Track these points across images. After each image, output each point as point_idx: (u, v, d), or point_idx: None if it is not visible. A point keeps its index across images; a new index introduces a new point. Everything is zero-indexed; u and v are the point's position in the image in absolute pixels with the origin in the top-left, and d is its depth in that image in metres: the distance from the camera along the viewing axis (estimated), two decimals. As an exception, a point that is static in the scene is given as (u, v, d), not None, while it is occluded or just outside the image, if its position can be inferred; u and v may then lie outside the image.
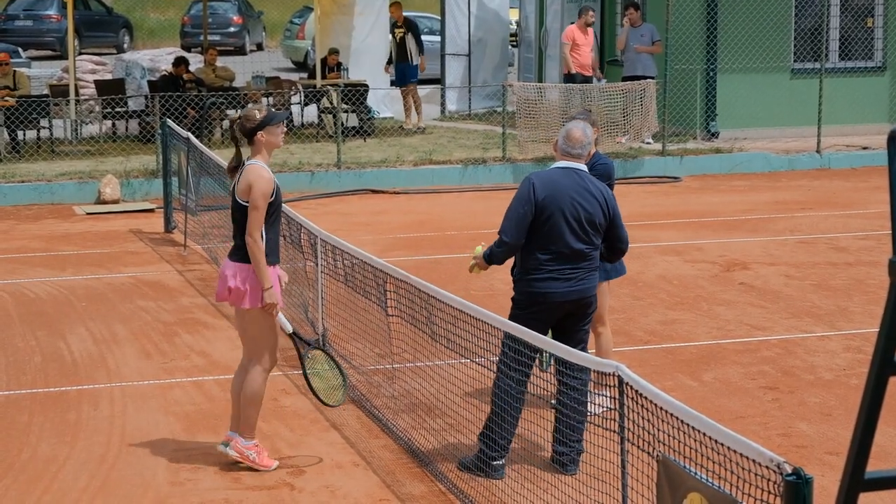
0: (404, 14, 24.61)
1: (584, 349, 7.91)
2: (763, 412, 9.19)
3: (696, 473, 5.01)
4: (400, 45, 24.05)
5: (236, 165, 8.22)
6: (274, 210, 8.11)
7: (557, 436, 7.87)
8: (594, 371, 6.58)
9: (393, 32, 24.35)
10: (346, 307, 10.27)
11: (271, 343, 8.20)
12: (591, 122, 8.99)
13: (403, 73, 24.06)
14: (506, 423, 7.74)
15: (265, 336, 8.16)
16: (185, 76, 22.56)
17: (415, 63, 24.05)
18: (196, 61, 27.03)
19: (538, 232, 7.78)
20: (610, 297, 9.40)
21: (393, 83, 25.03)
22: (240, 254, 8.08)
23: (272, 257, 8.13)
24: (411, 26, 24.21)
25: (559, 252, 7.79)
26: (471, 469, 7.90)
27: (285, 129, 8.37)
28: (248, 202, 7.99)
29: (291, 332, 8.42)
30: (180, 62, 22.84)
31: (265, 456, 8.19)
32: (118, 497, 7.77)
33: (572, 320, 7.97)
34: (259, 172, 8.02)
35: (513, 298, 8.01)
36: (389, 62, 24.62)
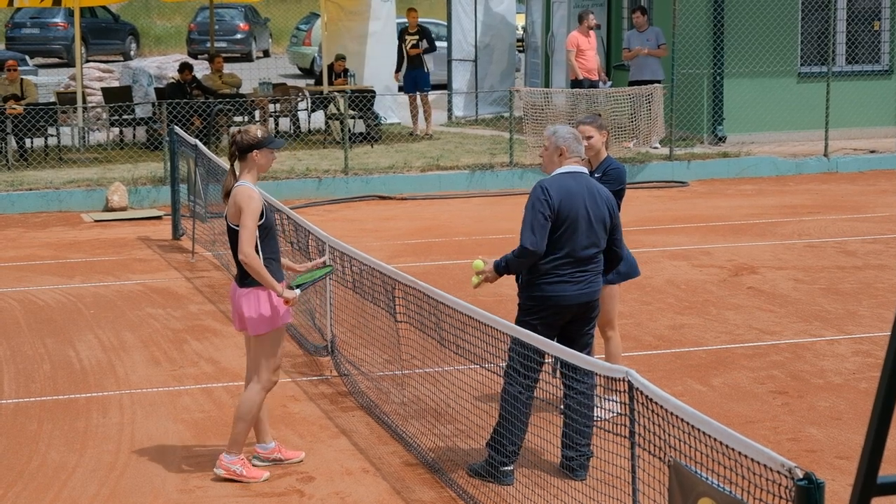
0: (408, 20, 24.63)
1: (589, 353, 7.90)
2: (773, 416, 9.17)
3: (707, 478, 5.00)
4: (412, 52, 24.05)
5: (231, 188, 8.10)
6: (267, 232, 8.05)
7: (566, 440, 7.87)
8: (603, 376, 6.57)
9: (404, 38, 24.32)
10: (355, 313, 10.27)
11: (274, 364, 8.19)
12: (598, 126, 9.00)
13: (415, 80, 24.06)
14: (515, 429, 7.74)
15: (269, 358, 8.15)
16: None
17: (427, 71, 24.05)
18: (202, 68, 27.10)
19: (552, 237, 7.80)
20: (619, 302, 9.41)
21: (400, 89, 25.03)
22: (242, 277, 8.06)
23: (276, 278, 8.04)
24: (425, 33, 24.21)
25: (571, 256, 7.81)
26: (481, 475, 7.89)
27: (275, 158, 8.33)
28: (239, 225, 7.96)
29: (298, 292, 8.27)
30: (184, 68, 22.91)
31: (252, 468, 8.18)
32: (128, 504, 7.78)
33: (577, 325, 7.97)
34: (248, 193, 7.95)
35: (519, 304, 8.00)
36: (398, 69, 24.60)
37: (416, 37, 24.10)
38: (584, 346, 7.94)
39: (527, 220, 7.81)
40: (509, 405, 7.75)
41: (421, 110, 24.35)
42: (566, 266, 7.81)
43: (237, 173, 8.13)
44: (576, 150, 8.00)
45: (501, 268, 7.97)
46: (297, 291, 8.16)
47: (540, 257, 7.80)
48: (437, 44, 30.04)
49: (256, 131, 8.09)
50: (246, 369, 8.36)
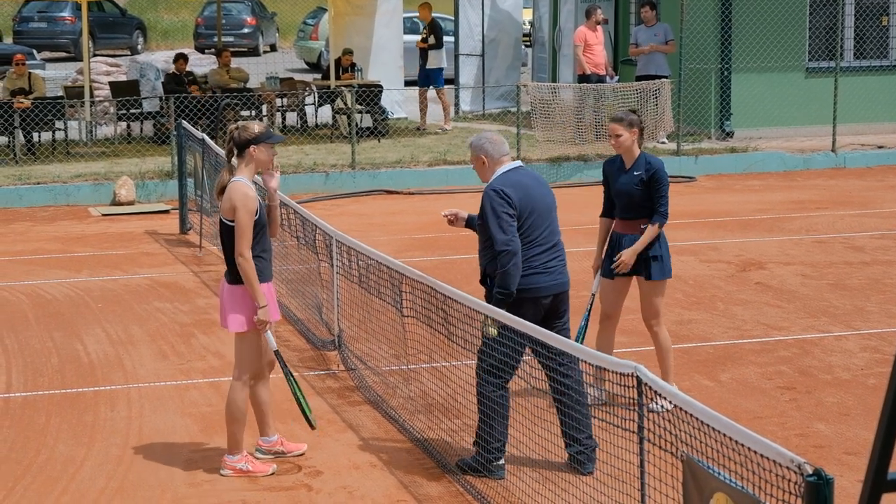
0: (415, 15, 24.63)
1: None
2: (780, 412, 9.17)
3: (719, 473, 5.00)
4: (419, 45, 24.09)
5: (226, 185, 8.06)
6: (260, 229, 8.02)
7: (566, 432, 7.87)
8: (612, 371, 6.55)
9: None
10: (361, 308, 10.27)
11: (255, 364, 8.17)
12: (628, 123, 9.03)
13: (427, 75, 24.07)
14: (495, 428, 7.83)
15: (250, 356, 8.13)
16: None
17: (437, 66, 23.99)
18: (209, 62, 27.09)
19: (521, 230, 7.88)
20: (626, 298, 9.42)
21: (414, 83, 25.04)
22: (231, 275, 8.05)
23: (264, 275, 8.06)
24: (434, 28, 24.19)
25: (539, 244, 7.93)
26: (474, 468, 7.90)
27: (276, 153, 8.28)
28: (233, 221, 7.93)
29: (276, 349, 8.24)
30: (179, 58, 22.95)
31: (258, 462, 8.18)
32: (136, 498, 7.78)
33: (549, 321, 7.98)
34: (244, 191, 7.92)
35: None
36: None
37: (427, 31, 24.14)
38: None
39: (493, 225, 7.84)
40: (485, 406, 7.85)
41: (439, 106, 24.34)
42: (537, 256, 7.92)
43: (233, 170, 8.11)
44: (498, 150, 8.05)
45: (498, 296, 7.80)
46: (271, 337, 8.10)
47: (518, 252, 7.82)
48: (445, 38, 30.05)
49: (254, 127, 8.06)
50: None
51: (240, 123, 8.16)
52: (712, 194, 19.09)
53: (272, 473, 8.12)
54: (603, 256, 9.31)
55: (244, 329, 8.04)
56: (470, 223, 8.35)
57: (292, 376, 8.33)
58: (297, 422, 9.06)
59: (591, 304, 9.55)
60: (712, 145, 21.64)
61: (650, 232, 9.05)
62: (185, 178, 16.13)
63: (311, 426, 8.30)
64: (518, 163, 8.13)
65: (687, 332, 11.34)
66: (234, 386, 8.15)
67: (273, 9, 44.89)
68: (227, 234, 7.99)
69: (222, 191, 8.06)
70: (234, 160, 8.11)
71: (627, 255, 9.03)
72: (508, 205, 7.84)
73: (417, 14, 24.76)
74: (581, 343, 9.33)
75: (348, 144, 20.45)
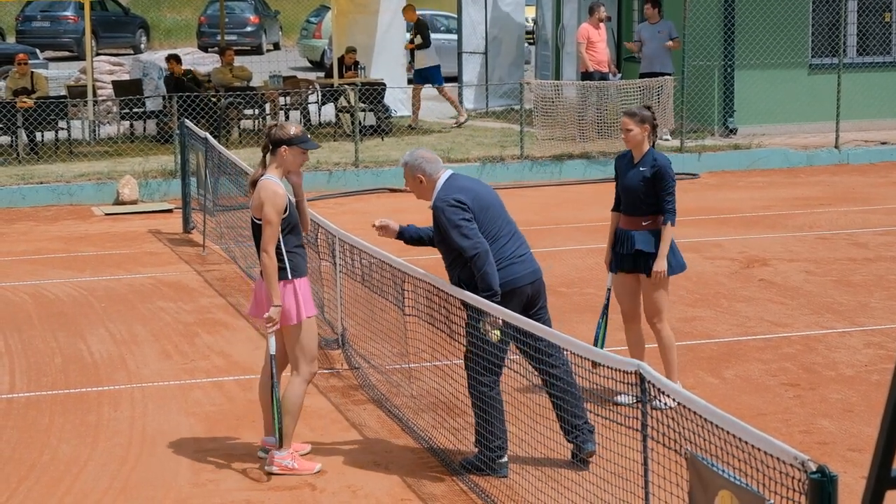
0: (418, 13, 24.63)
1: None
2: (784, 409, 9.16)
3: (724, 471, 4.99)
4: (407, 46, 24.17)
5: (257, 179, 8.17)
6: (291, 226, 8.11)
7: (564, 425, 7.87)
8: (617, 370, 6.54)
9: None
10: (364, 307, 10.26)
11: (311, 354, 8.20)
12: (640, 119, 9.01)
13: (422, 74, 24.08)
14: (497, 424, 7.85)
15: (304, 347, 8.16)
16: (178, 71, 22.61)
17: (430, 65, 23.97)
18: (212, 61, 27.09)
19: (482, 229, 7.89)
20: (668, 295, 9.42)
21: (410, 81, 25.05)
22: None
23: (299, 270, 8.12)
24: (420, 27, 24.18)
25: (504, 236, 7.96)
26: (478, 467, 7.90)
27: (307, 159, 8.36)
28: (261, 220, 8.00)
29: (272, 354, 8.19)
30: (171, 58, 22.95)
31: (303, 461, 8.17)
32: (140, 498, 7.78)
33: (530, 308, 8.01)
34: (273, 188, 8.01)
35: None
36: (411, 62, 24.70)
37: (413, 32, 24.19)
38: None
39: (456, 236, 7.85)
40: (481, 406, 7.88)
41: (444, 103, 24.39)
42: (505, 247, 7.95)
43: (266, 166, 8.19)
44: (435, 168, 8.06)
45: (488, 295, 7.77)
46: (270, 335, 8.10)
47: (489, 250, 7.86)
48: (448, 36, 30.09)
49: (290, 128, 8.18)
50: (264, 360, 8.36)
51: (280, 122, 8.27)
52: (715, 191, 19.08)
53: (318, 472, 8.09)
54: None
55: (292, 322, 8.07)
56: (402, 236, 8.39)
57: (277, 388, 8.17)
58: (302, 421, 9.05)
59: (608, 300, 9.53)
60: (715, 142, 21.62)
61: (666, 233, 9.04)
62: (188, 178, 16.11)
63: (280, 443, 8.10)
64: (450, 171, 8.14)
65: (690, 328, 11.33)
66: (293, 381, 8.15)
67: (276, 7, 44.91)
68: (258, 232, 8.06)
69: (253, 184, 8.16)
70: (268, 157, 8.20)
71: (659, 265, 9.03)
72: (463, 210, 7.87)
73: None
74: (602, 339, 9.35)
75: (352, 143, 20.44)
